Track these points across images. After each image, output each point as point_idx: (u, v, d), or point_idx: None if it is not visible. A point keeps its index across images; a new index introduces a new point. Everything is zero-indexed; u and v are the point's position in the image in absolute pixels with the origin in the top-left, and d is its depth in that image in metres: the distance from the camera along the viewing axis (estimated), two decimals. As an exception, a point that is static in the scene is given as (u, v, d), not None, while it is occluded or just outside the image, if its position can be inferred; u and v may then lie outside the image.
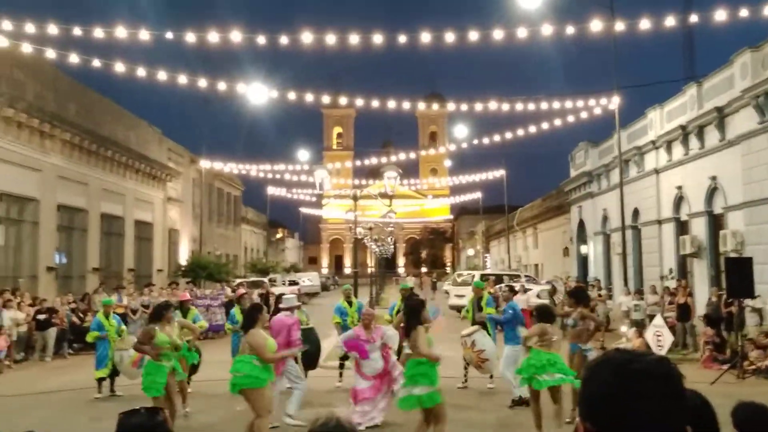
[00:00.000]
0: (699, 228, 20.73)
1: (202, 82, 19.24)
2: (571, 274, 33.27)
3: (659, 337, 16.78)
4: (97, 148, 26.18)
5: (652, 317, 18.03)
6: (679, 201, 22.34)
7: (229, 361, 12.91)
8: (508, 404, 10.88)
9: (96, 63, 17.25)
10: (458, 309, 24.61)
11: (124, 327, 13.50)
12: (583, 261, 33.63)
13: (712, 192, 20.05)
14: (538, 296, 22.93)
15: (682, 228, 22.31)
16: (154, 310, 10.09)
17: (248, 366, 7.97)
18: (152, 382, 8.93)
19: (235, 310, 13.30)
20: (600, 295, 21.89)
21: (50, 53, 16.68)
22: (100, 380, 12.43)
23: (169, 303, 10.69)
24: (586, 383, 1.45)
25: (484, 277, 26.94)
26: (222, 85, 19.64)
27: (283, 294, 13.66)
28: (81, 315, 19.35)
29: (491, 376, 12.27)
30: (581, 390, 1.47)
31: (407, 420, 9.05)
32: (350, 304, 13.38)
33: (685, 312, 18.14)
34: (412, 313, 8.27)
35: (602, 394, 1.39)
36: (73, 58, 16.77)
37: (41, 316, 17.91)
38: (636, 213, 25.63)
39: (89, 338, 13.13)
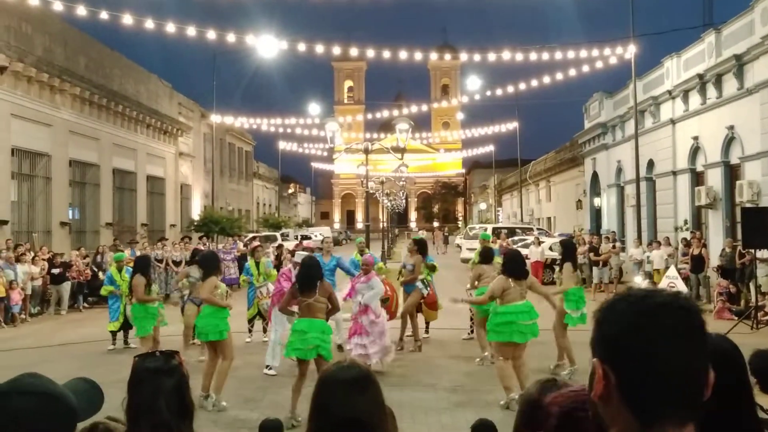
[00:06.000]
0: (715, 179, 20.48)
1: (211, 35, 19.01)
2: (584, 227, 33.15)
3: (673, 288, 16.78)
4: (107, 103, 26.09)
5: (666, 269, 18.01)
6: (695, 151, 22.04)
7: (244, 312, 13.09)
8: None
9: (104, 15, 17.04)
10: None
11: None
12: (597, 213, 33.46)
13: (729, 142, 19.73)
14: (551, 248, 22.88)
15: (697, 179, 22.05)
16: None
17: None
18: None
19: (250, 263, 13.34)
20: (614, 247, 21.82)
21: (57, 5, 16.48)
22: (113, 333, 12.71)
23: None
24: (601, 324, 1.34)
25: (496, 231, 26.97)
26: (231, 38, 19.42)
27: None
28: (94, 269, 19.51)
29: None
30: (595, 332, 1.35)
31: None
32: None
33: (699, 263, 18.08)
34: (206, 263, 8.92)
35: (620, 332, 1.29)
36: (81, 11, 16.57)
37: (55, 270, 18.08)
38: (651, 164, 25.35)
39: (103, 292, 13.39)
